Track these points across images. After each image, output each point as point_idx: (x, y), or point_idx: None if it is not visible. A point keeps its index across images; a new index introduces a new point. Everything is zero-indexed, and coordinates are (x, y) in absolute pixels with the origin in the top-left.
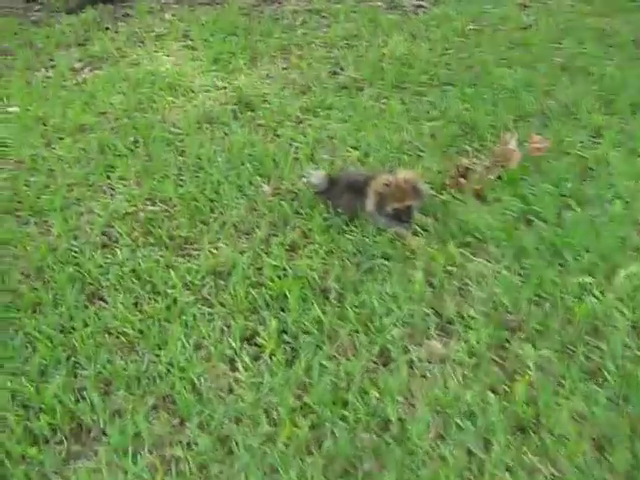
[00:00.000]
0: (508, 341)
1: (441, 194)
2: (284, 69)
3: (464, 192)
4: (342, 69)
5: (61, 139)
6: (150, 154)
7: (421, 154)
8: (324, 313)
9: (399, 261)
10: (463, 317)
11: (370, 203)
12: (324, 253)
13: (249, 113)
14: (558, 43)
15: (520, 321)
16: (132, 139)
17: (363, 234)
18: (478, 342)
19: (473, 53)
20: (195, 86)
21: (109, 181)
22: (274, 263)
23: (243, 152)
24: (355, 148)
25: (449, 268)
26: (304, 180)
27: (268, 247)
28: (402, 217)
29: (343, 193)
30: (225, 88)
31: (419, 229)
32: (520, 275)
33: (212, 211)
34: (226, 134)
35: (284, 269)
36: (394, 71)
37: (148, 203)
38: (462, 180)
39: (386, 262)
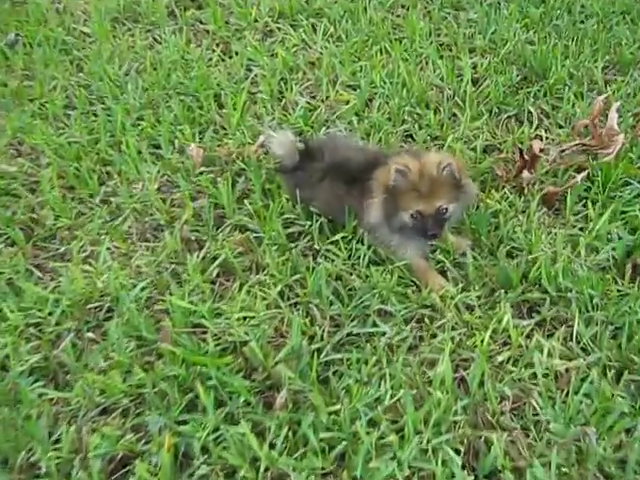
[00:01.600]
0: None
1: (489, 195)
2: None
3: (528, 195)
4: None
5: None
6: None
7: (456, 115)
8: None
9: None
10: None
11: (373, 207)
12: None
13: (192, 12)
14: None
15: None
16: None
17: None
18: None
19: None
20: None
21: None
22: None
23: (171, 77)
24: (351, 88)
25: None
26: (261, 142)
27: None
28: (427, 229)
29: (324, 179)
30: None
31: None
32: None
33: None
34: (153, 44)
35: None
36: None
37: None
38: (527, 174)
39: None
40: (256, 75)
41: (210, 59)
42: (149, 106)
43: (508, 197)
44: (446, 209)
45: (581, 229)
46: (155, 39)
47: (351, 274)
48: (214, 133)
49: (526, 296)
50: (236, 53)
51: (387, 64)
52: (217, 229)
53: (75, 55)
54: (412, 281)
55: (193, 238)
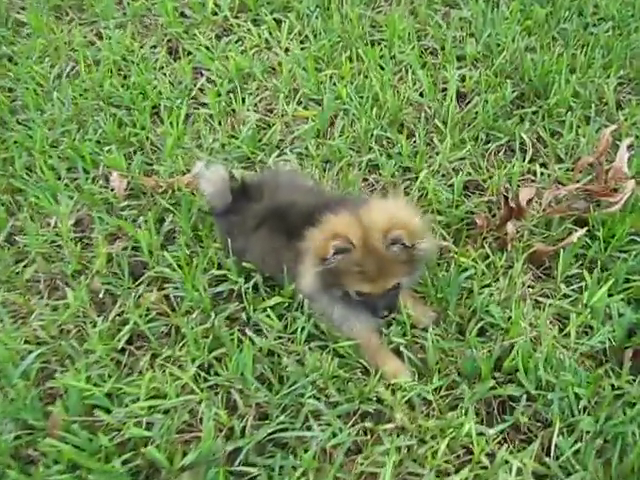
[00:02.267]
0: None
1: (463, 252)
2: None
3: (511, 251)
4: None
5: None
6: None
7: (434, 142)
8: None
9: None
10: None
11: (308, 276)
12: None
13: (143, 1)
14: None
15: None
16: None
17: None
18: None
19: None
20: None
21: None
22: None
23: (105, 84)
24: (315, 102)
25: None
26: (195, 173)
27: None
28: (377, 310)
29: (260, 227)
30: None
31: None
32: None
33: None
34: (94, 40)
35: None
36: None
37: None
38: (511, 228)
39: None
40: (211, 81)
41: (155, 60)
42: (76, 119)
43: (487, 255)
44: (399, 284)
45: (574, 301)
46: (99, 34)
47: (286, 351)
48: (145, 157)
49: (497, 391)
50: (187, 53)
51: (358, 74)
52: (135, 281)
53: (3, 51)
54: (359, 362)
55: (102, 294)
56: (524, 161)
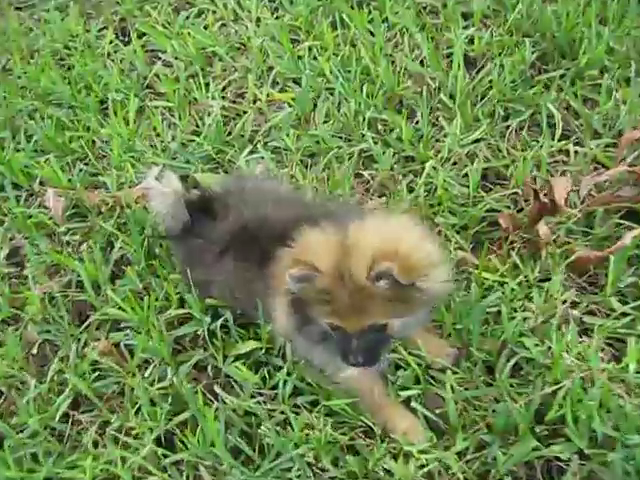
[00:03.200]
0: None
1: (484, 264)
2: None
3: (546, 258)
4: None
5: None
6: None
7: (442, 122)
8: None
9: None
10: None
11: (279, 310)
12: None
13: None
14: None
15: None
16: None
17: None
18: None
19: None
20: None
21: None
22: None
23: (42, 79)
24: (293, 82)
25: None
26: (146, 184)
27: None
28: (349, 353)
29: (226, 252)
30: None
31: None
32: None
33: None
34: (33, 25)
35: None
36: None
37: None
38: (544, 229)
39: None
40: (168, 65)
41: (102, 47)
42: (9, 124)
43: (515, 265)
44: (384, 326)
45: (632, 321)
46: (40, 19)
47: (266, 412)
48: (89, 166)
49: (540, 452)
50: (140, 35)
51: (344, 43)
52: (81, 325)
53: None
54: (360, 421)
55: (37, 347)
56: (553, 139)
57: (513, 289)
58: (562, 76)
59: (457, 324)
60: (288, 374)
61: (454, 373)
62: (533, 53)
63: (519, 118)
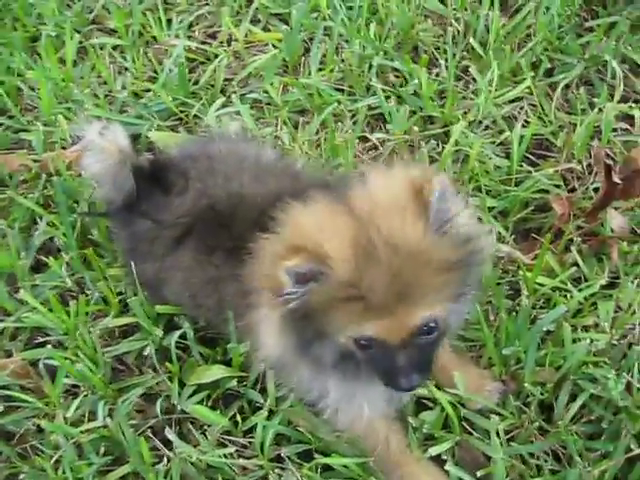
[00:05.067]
0: None
1: (536, 263)
2: None
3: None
4: None
5: None
6: None
7: (471, 73)
8: None
9: None
10: None
11: (267, 328)
12: None
13: None
14: None
15: None
16: None
17: None
18: None
19: None
20: None
21: None
22: None
23: None
24: (278, 20)
25: None
26: (83, 145)
27: None
28: (397, 375)
29: (184, 239)
30: None
31: None
32: None
33: None
34: None
35: None
36: None
37: None
38: (618, 218)
39: None
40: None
41: None
42: None
43: (576, 263)
44: (435, 323)
45: None
46: None
47: (240, 469)
48: (12, 120)
49: None
50: None
51: None
52: None
53: None
54: None
55: None
56: (612, 100)
57: (580, 301)
58: (620, 21)
59: (502, 348)
60: (270, 414)
61: (500, 416)
62: None
63: (567, 72)
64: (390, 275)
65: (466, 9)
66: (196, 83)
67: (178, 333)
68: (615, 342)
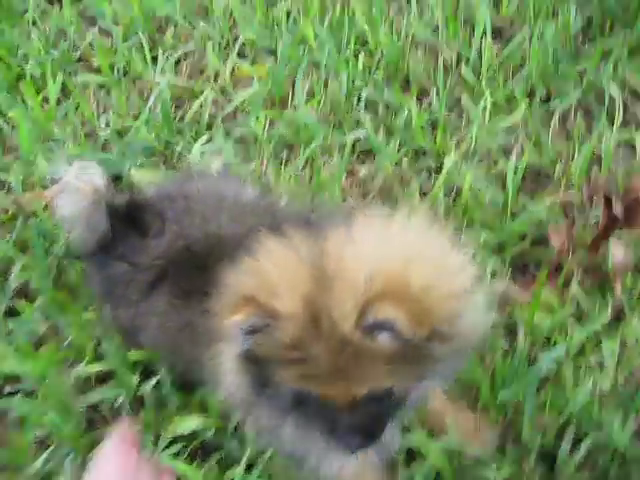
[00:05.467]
0: None
1: (533, 300)
2: None
3: (620, 293)
4: None
5: None
6: None
7: (462, 100)
8: None
9: None
10: None
11: (227, 372)
12: None
13: None
14: None
15: None
16: None
17: None
18: None
19: None
20: None
21: None
22: None
23: None
24: (266, 53)
25: None
26: (60, 188)
27: None
28: (335, 425)
29: (159, 283)
30: None
31: None
32: None
33: None
34: None
35: None
36: None
37: None
38: (619, 256)
39: None
40: (107, 32)
41: (24, 11)
42: None
43: (577, 302)
44: (391, 390)
45: None
46: None
47: None
48: None
49: None
50: None
51: (332, 4)
52: None
53: None
54: None
55: None
56: (612, 125)
57: (582, 340)
58: (617, 46)
59: (498, 394)
60: (248, 468)
61: (496, 466)
62: (576, 18)
63: (564, 99)
64: (327, 351)
65: (455, 38)
66: (182, 119)
67: (154, 381)
68: (621, 383)
